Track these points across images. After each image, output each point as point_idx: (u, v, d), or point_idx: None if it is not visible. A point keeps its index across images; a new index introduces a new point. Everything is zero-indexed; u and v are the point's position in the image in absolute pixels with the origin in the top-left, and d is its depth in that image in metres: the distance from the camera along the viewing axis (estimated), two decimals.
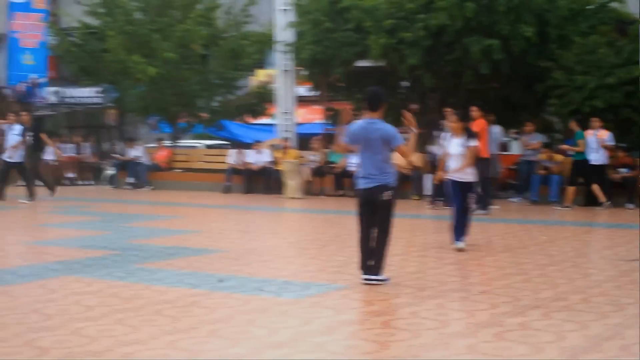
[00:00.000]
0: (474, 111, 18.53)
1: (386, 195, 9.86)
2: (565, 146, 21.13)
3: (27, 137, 22.09)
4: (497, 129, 21.17)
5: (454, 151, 12.89)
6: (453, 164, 12.82)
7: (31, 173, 22.70)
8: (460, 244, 12.66)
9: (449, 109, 18.10)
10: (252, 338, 7.42)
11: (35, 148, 22.58)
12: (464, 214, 12.80)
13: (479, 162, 18.75)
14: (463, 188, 12.75)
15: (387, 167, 9.90)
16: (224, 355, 6.87)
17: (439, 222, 16.59)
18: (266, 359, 6.80)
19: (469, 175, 12.78)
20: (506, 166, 22.63)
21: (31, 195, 22.14)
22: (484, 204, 18.36)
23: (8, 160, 22.49)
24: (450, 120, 12.93)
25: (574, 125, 20.50)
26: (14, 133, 22.29)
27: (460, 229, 12.75)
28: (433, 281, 10.21)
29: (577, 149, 20.32)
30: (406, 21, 22.12)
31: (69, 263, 11.64)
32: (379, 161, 9.84)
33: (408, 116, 10.32)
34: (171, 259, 11.95)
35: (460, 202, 12.77)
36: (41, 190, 22.80)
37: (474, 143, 12.95)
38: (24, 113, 22.66)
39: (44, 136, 22.46)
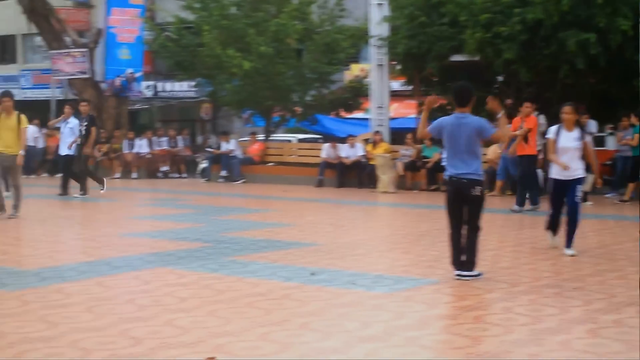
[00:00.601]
0: (527, 107, 18.33)
1: (476, 190, 9.76)
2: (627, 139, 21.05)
3: (82, 130, 21.62)
4: (593, 123, 20.84)
5: (567, 145, 11.86)
6: (565, 158, 11.79)
7: (83, 166, 22.07)
8: (570, 251, 11.79)
9: (528, 103, 17.87)
10: (343, 331, 7.39)
11: (86, 142, 21.66)
12: (574, 213, 11.86)
13: (527, 158, 18.65)
14: (570, 185, 11.82)
15: (476, 163, 9.79)
16: (316, 348, 6.86)
17: (532, 217, 16.38)
18: (358, 353, 6.77)
19: (578, 171, 12.00)
20: (601, 162, 22.27)
21: (83, 189, 21.74)
22: (535, 199, 18.21)
23: (65, 154, 22.12)
24: (565, 112, 12.11)
25: (634, 120, 20.38)
26: (70, 126, 22.02)
27: (571, 232, 11.87)
28: (526, 277, 10.08)
29: (632, 142, 20.35)
30: (502, 15, 21.87)
31: (162, 255, 11.77)
32: (468, 156, 9.73)
33: (491, 101, 10.19)
34: (264, 252, 11.99)
35: (570, 200, 11.82)
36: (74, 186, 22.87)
37: (588, 137, 12.54)
38: (83, 104, 22.30)
39: (93, 130, 21.59)
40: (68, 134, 22.00)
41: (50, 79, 41.16)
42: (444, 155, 10.23)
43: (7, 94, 16.80)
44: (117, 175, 29.78)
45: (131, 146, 30.54)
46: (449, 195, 9.97)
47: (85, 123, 21.60)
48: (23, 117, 16.70)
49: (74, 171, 21.89)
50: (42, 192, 23.54)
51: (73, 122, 21.98)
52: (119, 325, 7.61)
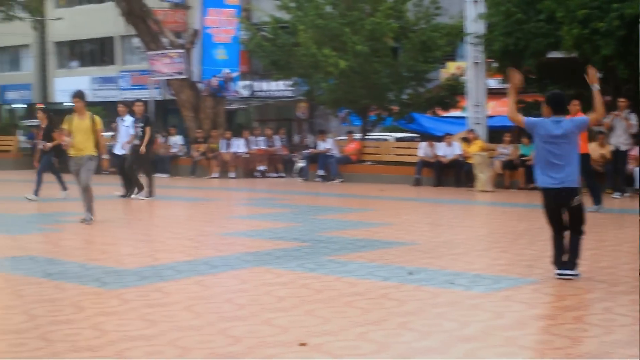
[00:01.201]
0: (575, 105, 17.97)
1: (575, 200, 9.58)
2: None
3: (138, 129, 21.08)
4: None
5: None
6: None
7: (134, 167, 21.28)
8: None
9: (575, 101, 17.47)
10: (442, 331, 7.33)
11: (141, 142, 20.93)
12: None
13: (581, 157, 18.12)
14: None
15: (571, 168, 9.59)
16: (414, 348, 6.82)
17: (632, 216, 16.08)
18: (456, 353, 6.71)
19: None
20: None
21: (139, 188, 21.25)
22: (598, 198, 17.76)
23: (121, 153, 21.99)
24: None
25: None
26: (125, 125, 21.76)
27: None
28: (627, 277, 9.88)
29: None
30: (600, 11, 21.50)
31: (260, 254, 11.82)
32: (563, 161, 9.55)
33: (591, 71, 9.99)
34: (361, 251, 11.97)
35: None
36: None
37: None
38: (138, 104, 21.54)
39: (148, 130, 20.90)
40: (124, 133, 21.86)
41: (148, 80, 41.73)
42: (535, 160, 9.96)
43: (77, 95, 16.19)
44: (215, 175, 30.04)
45: (229, 146, 30.78)
46: (546, 202, 9.81)
47: (141, 124, 21.10)
48: (97, 118, 16.09)
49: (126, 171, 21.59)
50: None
51: (128, 119, 21.80)
52: (218, 324, 7.66)
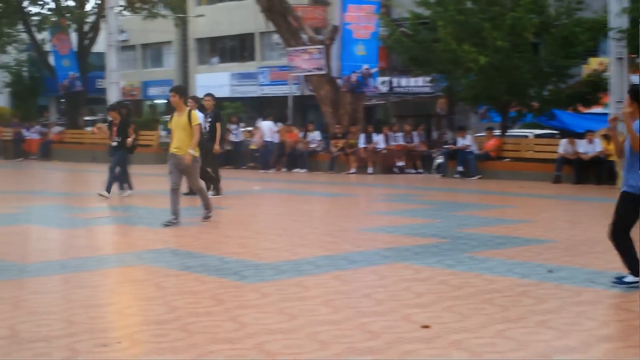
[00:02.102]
0: None
1: None
2: None
3: (206, 126, 19.76)
4: None
5: None
6: None
7: (212, 165, 20.12)
8: None
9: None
10: (582, 330, 7.20)
11: (211, 138, 19.78)
12: None
13: None
14: None
15: None
16: (553, 347, 6.71)
17: None
18: (596, 352, 6.57)
19: None
20: None
21: (216, 188, 20.19)
22: None
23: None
24: None
25: None
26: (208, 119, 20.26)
27: None
28: None
29: None
30: None
31: (398, 250, 11.80)
32: None
33: None
34: (500, 249, 11.83)
35: None
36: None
37: None
38: (207, 98, 20.54)
39: (218, 126, 19.97)
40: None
41: (287, 76, 42.12)
42: None
43: (174, 89, 15.40)
44: (353, 170, 30.11)
45: (368, 141, 30.79)
46: None
47: (210, 119, 20.08)
48: (194, 114, 15.10)
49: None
50: (280, 187, 24.11)
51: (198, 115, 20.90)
52: (356, 319, 7.68)
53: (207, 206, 15.34)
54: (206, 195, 15.45)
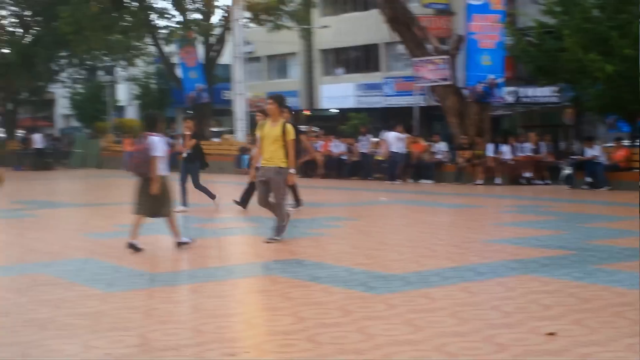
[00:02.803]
0: None
1: None
2: None
3: None
4: None
5: None
6: None
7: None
8: None
9: None
10: None
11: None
12: None
13: None
14: None
15: None
16: None
17: None
18: None
19: None
20: None
21: (296, 200, 19.60)
22: None
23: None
24: None
25: None
26: None
27: None
28: None
29: None
30: None
31: (525, 262, 11.68)
32: None
33: None
34: (630, 261, 11.59)
35: None
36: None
37: None
38: (283, 110, 19.24)
39: (303, 137, 19.05)
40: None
41: (412, 87, 42.07)
42: None
43: (273, 97, 14.46)
44: (480, 181, 29.87)
45: (495, 151, 30.53)
46: None
47: None
48: (289, 128, 14.02)
49: None
50: (406, 197, 24.08)
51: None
52: (484, 331, 7.64)
53: (280, 226, 14.16)
54: (283, 214, 14.20)
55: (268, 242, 13.93)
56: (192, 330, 7.97)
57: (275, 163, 13.94)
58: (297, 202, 19.61)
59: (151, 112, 16.36)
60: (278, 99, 14.34)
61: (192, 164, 20.11)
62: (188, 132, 20.38)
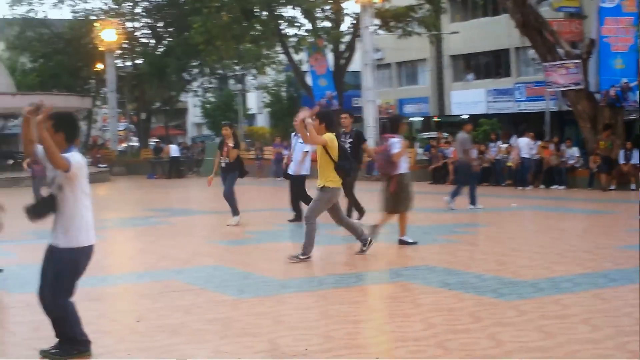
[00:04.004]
0: None
1: None
2: None
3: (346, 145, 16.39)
4: None
5: None
6: None
7: (347, 190, 17.35)
8: None
9: None
10: None
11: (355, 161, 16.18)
12: None
13: None
14: None
15: None
16: None
17: None
18: None
19: None
20: None
21: (359, 212, 18.33)
22: None
23: (292, 174, 18.91)
24: None
25: None
26: (300, 141, 17.89)
27: None
28: None
29: None
30: None
31: None
32: None
33: None
34: None
35: None
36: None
37: None
38: (344, 116, 18.00)
39: (365, 146, 18.04)
40: (298, 150, 18.73)
41: (543, 91, 41.49)
42: None
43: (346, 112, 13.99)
44: (613, 187, 29.28)
45: (628, 157, 29.91)
46: None
47: (350, 139, 17.50)
48: (330, 138, 13.13)
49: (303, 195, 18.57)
50: (537, 203, 23.80)
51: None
52: (617, 338, 7.53)
53: (305, 245, 13.07)
54: (308, 232, 13.08)
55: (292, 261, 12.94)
56: (322, 336, 8.04)
57: (320, 181, 13.07)
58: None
59: (394, 115, 16.44)
60: (322, 116, 13.65)
61: (232, 173, 18.99)
62: (229, 142, 19.05)
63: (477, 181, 22.17)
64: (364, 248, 13.54)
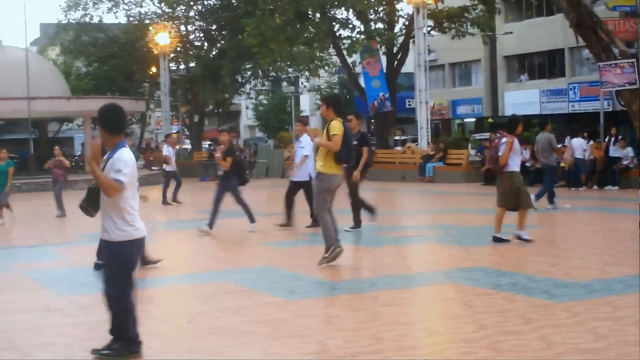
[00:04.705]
0: None
1: None
2: None
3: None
4: None
5: None
6: None
7: (353, 194, 17.33)
8: None
9: None
10: None
11: (356, 165, 16.39)
12: None
13: None
14: None
15: None
16: None
17: None
18: None
19: None
20: None
21: (355, 221, 17.52)
22: None
23: (292, 179, 18.73)
24: None
25: None
26: (300, 146, 18.36)
27: None
28: None
29: None
30: None
31: None
32: None
33: None
34: None
35: None
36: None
37: None
38: (349, 117, 17.02)
39: (365, 151, 17.13)
40: (299, 155, 18.49)
41: (598, 91, 41.12)
42: None
43: (323, 98, 13.52)
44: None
45: None
46: None
47: (355, 141, 15.89)
48: (334, 124, 12.66)
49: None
50: (591, 204, 23.63)
51: (305, 140, 18.51)
52: (619, 347, 7.42)
53: (326, 241, 12.64)
54: (324, 227, 12.63)
55: (322, 262, 12.58)
56: (371, 337, 8.03)
57: (320, 169, 12.73)
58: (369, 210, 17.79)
59: (513, 115, 16.67)
60: (328, 99, 13.28)
61: (229, 182, 18.03)
62: (222, 147, 18.37)
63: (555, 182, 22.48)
64: (326, 255, 12.56)
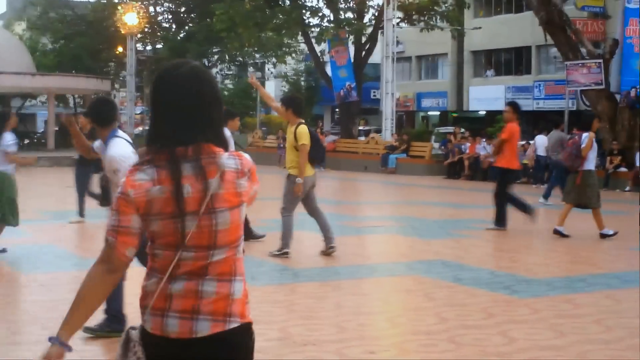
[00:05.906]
0: None
1: None
2: None
3: None
4: None
5: None
6: None
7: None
8: None
9: None
10: None
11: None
12: None
13: None
14: None
15: None
16: None
17: None
18: None
19: None
20: None
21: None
22: None
23: None
24: None
25: None
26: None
27: None
28: None
29: None
30: None
31: None
32: None
33: None
34: None
35: None
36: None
37: None
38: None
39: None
40: None
41: (563, 90, 41.40)
42: None
43: (283, 100, 13.12)
44: (628, 188, 29.18)
45: None
46: None
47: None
48: (301, 130, 12.31)
49: None
50: (554, 201, 23.76)
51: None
52: (628, 339, 7.53)
53: (327, 239, 12.70)
54: (322, 223, 12.75)
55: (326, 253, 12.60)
56: (334, 326, 8.06)
57: (291, 171, 12.50)
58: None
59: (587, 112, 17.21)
60: (287, 101, 12.84)
61: (85, 168, 16.25)
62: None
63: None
64: (331, 249, 12.61)
